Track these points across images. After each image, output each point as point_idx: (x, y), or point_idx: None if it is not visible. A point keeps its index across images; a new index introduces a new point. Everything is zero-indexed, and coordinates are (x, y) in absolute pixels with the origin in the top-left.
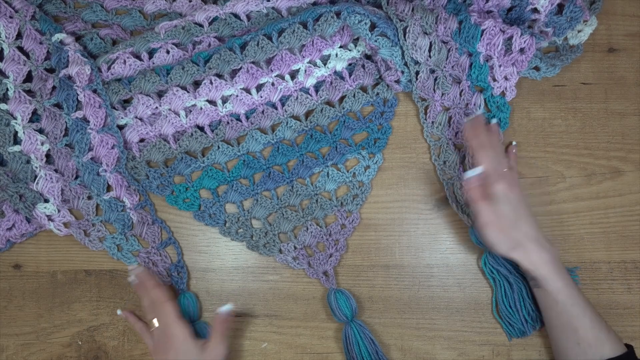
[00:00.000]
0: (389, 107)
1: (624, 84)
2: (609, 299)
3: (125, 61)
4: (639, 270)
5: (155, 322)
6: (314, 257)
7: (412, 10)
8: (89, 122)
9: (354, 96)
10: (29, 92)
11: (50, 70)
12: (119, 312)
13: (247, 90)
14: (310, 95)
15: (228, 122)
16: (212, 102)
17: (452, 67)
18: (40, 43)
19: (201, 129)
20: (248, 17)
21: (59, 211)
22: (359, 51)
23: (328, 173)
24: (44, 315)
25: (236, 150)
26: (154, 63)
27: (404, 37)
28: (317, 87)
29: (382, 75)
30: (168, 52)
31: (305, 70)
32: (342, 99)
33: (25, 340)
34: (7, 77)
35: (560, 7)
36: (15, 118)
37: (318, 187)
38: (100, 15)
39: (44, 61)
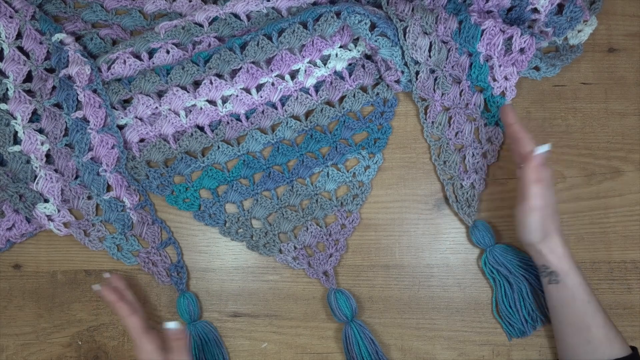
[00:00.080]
0: (389, 107)
1: (624, 84)
2: (609, 299)
3: (125, 61)
4: (639, 270)
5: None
6: (314, 257)
7: (412, 10)
8: (89, 122)
9: (354, 96)
10: (29, 92)
11: (50, 70)
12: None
13: (247, 90)
14: (310, 95)
15: (228, 122)
16: (212, 102)
17: (452, 67)
18: (40, 43)
19: (201, 129)
20: (248, 17)
21: (59, 211)
22: (359, 51)
23: (328, 173)
24: (44, 315)
25: (236, 150)
26: (154, 63)
27: (404, 37)
28: (317, 87)
29: (382, 75)
30: (168, 52)
31: (305, 70)
32: (342, 99)
33: (25, 340)
34: (7, 77)
35: (560, 7)
36: (15, 118)
37: (318, 187)
38: (100, 15)
39: (44, 61)
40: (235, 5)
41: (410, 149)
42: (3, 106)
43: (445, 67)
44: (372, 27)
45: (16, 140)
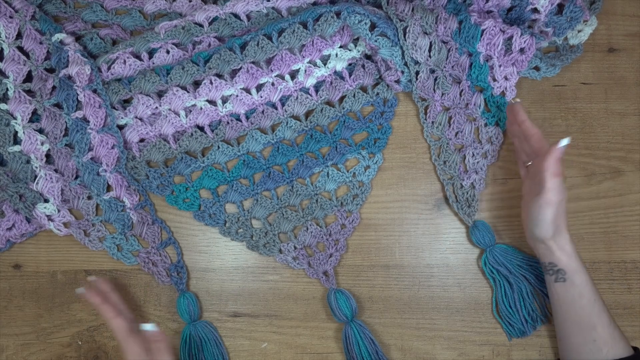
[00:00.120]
0: (389, 107)
1: (624, 84)
2: (609, 299)
3: (125, 61)
4: (639, 270)
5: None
6: (314, 257)
7: (412, 10)
8: (89, 122)
9: (354, 96)
10: (29, 92)
11: (50, 70)
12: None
13: (247, 90)
14: (310, 95)
15: (228, 122)
16: (212, 102)
17: (452, 67)
18: (40, 43)
19: (201, 129)
20: (248, 17)
21: (59, 211)
22: (359, 51)
23: (328, 173)
24: (44, 315)
25: (236, 150)
26: (154, 63)
27: (404, 37)
28: (317, 87)
29: (382, 75)
30: (168, 52)
31: (305, 70)
32: (342, 99)
33: (25, 340)
34: (7, 77)
35: (560, 7)
36: (15, 118)
37: (318, 187)
38: (100, 15)
39: (44, 61)
40: (235, 5)
41: (410, 149)
42: (3, 106)
43: (445, 67)
44: (372, 27)
45: (16, 140)
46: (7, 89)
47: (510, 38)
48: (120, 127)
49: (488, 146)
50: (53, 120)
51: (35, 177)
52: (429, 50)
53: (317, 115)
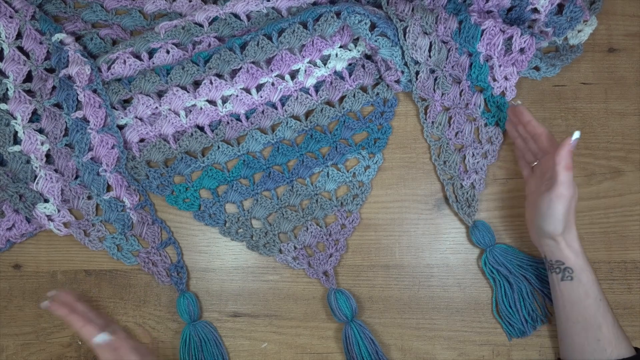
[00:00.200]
0: (389, 107)
1: (624, 84)
2: (609, 299)
3: (125, 61)
4: (639, 270)
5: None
6: (314, 257)
7: (412, 10)
8: (89, 122)
9: (354, 96)
10: (29, 92)
11: (50, 70)
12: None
13: (247, 90)
14: (310, 95)
15: (228, 122)
16: (212, 102)
17: (452, 67)
18: (40, 43)
19: (201, 129)
20: (248, 17)
21: (59, 211)
22: (359, 51)
23: (328, 173)
24: (44, 315)
25: (236, 150)
26: (154, 63)
27: (404, 37)
28: (317, 87)
29: (382, 75)
30: (168, 52)
31: (305, 70)
32: (342, 99)
33: (25, 340)
34: (7, 77)
35: (560, 7)
36: (15, 118)
37: (318, 187)
38: (100, 15)
39: (44, 61)
40: (235, 5)
41: (410, 149)
42: (3, 106)
43: (445, 67)
44: (372, 27)
45: (16, 140)
46: (7, 89)
47: (510, 38)
48: (120, 127)
49: (488, 146)
50: (53, 120)
51: (35, 177)
52: (429, 50)
53: (317, 115)
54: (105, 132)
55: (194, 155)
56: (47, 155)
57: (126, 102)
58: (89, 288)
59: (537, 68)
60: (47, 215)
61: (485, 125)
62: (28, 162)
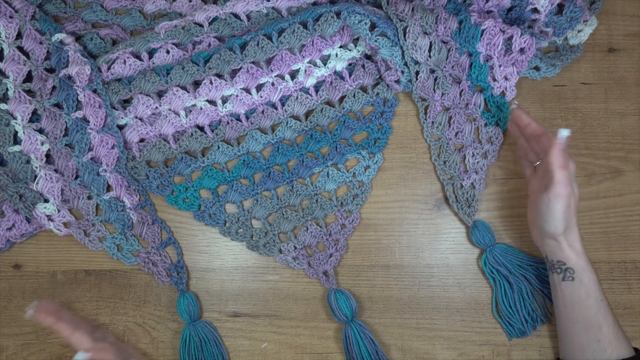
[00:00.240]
0: (389, 107)
1: (624, 84)
2: (609, 299)
3: (125, 61)
4: (639, 270)
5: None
6: (314, 257)
7: (412, 10)
8: (89, 122)
9: (354, 96)
10: (29, 92)
11: (50, 70)
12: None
13: (247, 90)
14: (310, 95)
15: (228, 122)
16: (212, 102)
17: (452, 67)
18: (40, 43)
19: (201, 129)
20: (248, 17)
21: (59, 211)
22: (359, 51)
23: (328, 173)
24: None
25: (236, 150)
26: (154, 63)
27: (404, 37)
28: (317, 87)
29: (382, 75)
30: (168, 52)
31: (305, 70)
32: (342, 99)
33: (25, 340)
34: (7, 77)
35: (560, 7)
36: (15, 118)
37: (318, 187)
38: (100, 15)
39: (44, 61)
40: (235, 5)
41: (410, 149)
42: (3, 106)
43: (445, 67)
44: (372, 27)
45: (16, 140)
46: (7, 89)
47: (510, 38)
48: (120, 127)
49: (488, 146)
50: (53, 120)
51: (35, 177)
52: (429, 50)
53: (317, 115)
54: (105, 132)
55: (194, 155)
56: (47, 155)
57: (126, 102)
58: (89, 288)
59: (537, 68)
60: (47, 215)
61: (485, 125)
62: (28, 162)
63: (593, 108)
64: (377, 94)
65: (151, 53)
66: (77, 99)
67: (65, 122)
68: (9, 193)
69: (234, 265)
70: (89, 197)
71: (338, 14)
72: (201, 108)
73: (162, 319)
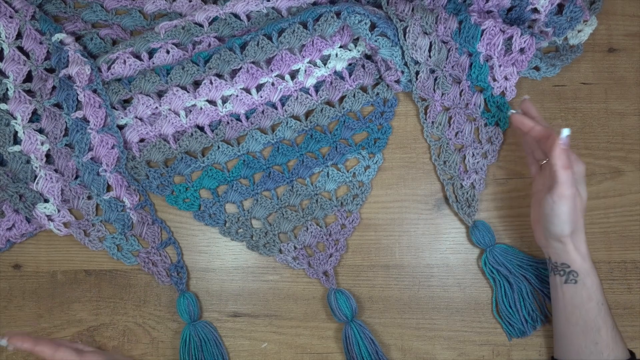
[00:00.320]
0: (389, 107)
1: (624, 84)
2: (609, 299)
3: (125, 61)
4: (639, 270)
5: None
6: (314, 257)
7: (412, 10)
8: (89, 122)
9: (354, 96)
10: (29, 92)
11: (50, 70)
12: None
13: (247, 90)
14: (310, 95)
15: (228, 122)
16: (212, 102)
17: (452, 67)
18: (40, 43)
19: (201, 129)
20: (248, 17)
21: (59, 211)
22: (359, 51)
23: (328, 173)
24: (44, 315)
25: (236, 150)
26: (154, 63)
27: (404, 37)
28: (317, 87)
29: (382, 75)
30: (168, 52)
31: (305, 70)
32: (342, 99)
33: None
34: (7, 77)
35: (560, 7)
36: (15, 118)
37: (318, 187)
38: (100, 15)
39: (44, 61)
40: (235, 5)
41: (410, 149)
42: (3, 106)
43: (445, 67)
44: (372, 27)
45: (16, 140)
46: (7, 89)
47: (510, 38)
48: (120, 127)
49: (488, 146)
50: (53, 120)
51: (35, 177)
52: (429, 50)
53: (317, 115)
54: (105, 132)
55: (194, 155)
56: (47, 155)
57: (126, 102)
58: (89, 288)
59: (537, 68)
60: (47, 215)
61: (485, 125)
62: (28, 162)
63: (593, 108)
64: (377, 94)
65: (151, 53)
66: (77, 99)
67: (65, 122)
68: (9, 193)
69: (234, 265)
70: (89, 197)
71: (338, 14)
72: (201, 108)
73: (162, 319)
